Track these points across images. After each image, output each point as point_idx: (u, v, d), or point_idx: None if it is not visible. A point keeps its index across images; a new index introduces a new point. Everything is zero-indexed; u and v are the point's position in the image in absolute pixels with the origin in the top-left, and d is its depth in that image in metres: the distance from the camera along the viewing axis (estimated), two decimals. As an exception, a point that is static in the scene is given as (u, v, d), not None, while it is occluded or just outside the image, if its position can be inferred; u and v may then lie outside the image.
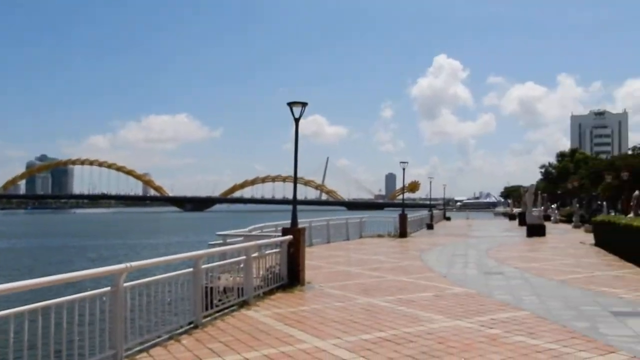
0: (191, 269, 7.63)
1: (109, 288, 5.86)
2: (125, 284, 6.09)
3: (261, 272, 10.34)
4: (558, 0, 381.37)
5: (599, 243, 20.22)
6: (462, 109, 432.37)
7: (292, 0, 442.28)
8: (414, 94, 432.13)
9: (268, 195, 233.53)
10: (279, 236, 11.47)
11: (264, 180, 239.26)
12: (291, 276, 11.04)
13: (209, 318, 7.97)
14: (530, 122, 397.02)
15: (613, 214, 36.45)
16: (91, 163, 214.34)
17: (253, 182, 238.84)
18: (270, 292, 10.29)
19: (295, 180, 11.67)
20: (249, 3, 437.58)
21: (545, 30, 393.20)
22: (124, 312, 5.94)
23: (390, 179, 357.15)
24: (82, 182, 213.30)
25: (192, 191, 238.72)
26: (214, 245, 11.66)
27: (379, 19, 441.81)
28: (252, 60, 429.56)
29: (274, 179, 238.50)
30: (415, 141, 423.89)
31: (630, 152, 68.39)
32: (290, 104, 10.95)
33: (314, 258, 17.09)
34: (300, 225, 18.10)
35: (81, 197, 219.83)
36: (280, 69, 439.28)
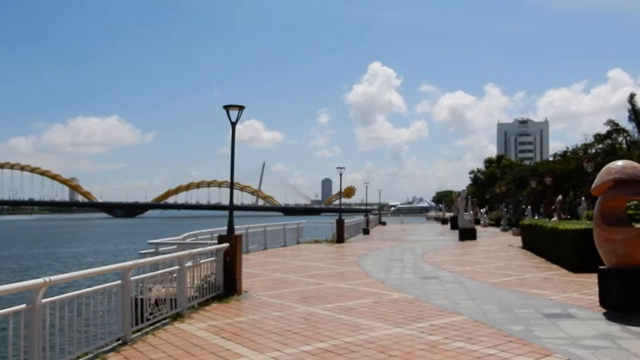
0: (119, 281, 7.14)
1: (24, 305, 5.32)
2: (44, 300, 5.56)
3: (196, 282, 9.90)
4: (485, 14, 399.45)
5: (526, 246, 21.05)
6: (396, 116, 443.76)
7: (229, 3, 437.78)
8: (349, 100, 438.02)
9: (203, 201, 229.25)
10: (214, 244, 11.07)
11: (199, 185, 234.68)
12: (228, 285, 10.67)
13: (139, 333, 7.49)
14: (460, 130, 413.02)
15: (536, 217, 38.27)
16: (12, 167, 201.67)
17: (188, 187, 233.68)
18: (206, 303, 9.89)
19: (232, 185, 11.31)
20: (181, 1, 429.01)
21: (473, 42, 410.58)
22: (41, 332, 5.42)
23: (326, 184, 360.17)
24: (2, 187, 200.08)
25: (122, 197, 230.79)
26: (145, 255, 11.08)
27: (315, 24, 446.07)
28: (187, 62, 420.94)
29: (209, 184, 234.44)
30: (350, 147, 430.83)
31: (551, 159, 72.13)
32: (227, 107, 10.60)
33: (251, 265, 16.73)
34: (236, 232, 17.72)
35: (1, 202, 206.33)
36: (216, 72, 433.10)
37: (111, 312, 7.12)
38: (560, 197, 28.65)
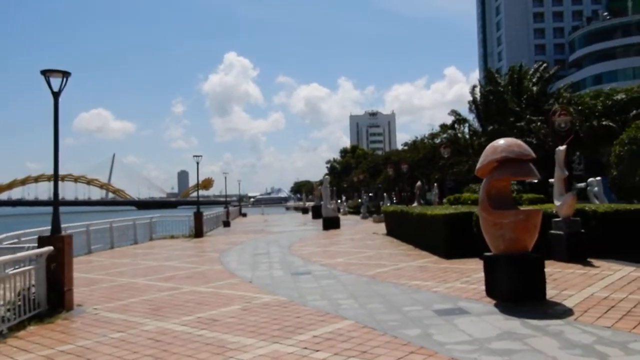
0: None
1: None
2: None
3: (6, 299, 7.52)
4: (337, 13, 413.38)
5: (391, 233, 20.88)
6: (253, 107, 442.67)
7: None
8: (205, 90, 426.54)
9: (44, 197, 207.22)
10: (35, 247, 8.65)
11: (37, 179, 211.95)
12: (53, 300, 8.36)
13: None
14: (316, 121, 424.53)
15: (389, 204, 39.43)
16: None
17: (24, 182, 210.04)
18: (21, 326, 7.53)
19: (56, 173, 8.91)
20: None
21: (327, 38, 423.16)
22: None
23: (182, 176, 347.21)
24: None
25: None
26: None
27: (167, 12, 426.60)
28: (28, 44, 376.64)
29: (49, 178, 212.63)
30: (207, 137, 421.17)
31: (402, 147, 75.98)
32: (46, 72, 8.20)
33: (93, 269, 14.21)
34: (71, 231, 14.93)
35: None
36: (60, 55, 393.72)
37: None
38: (419, 183, 29.45)
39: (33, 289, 8.13)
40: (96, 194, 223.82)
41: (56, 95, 8.38)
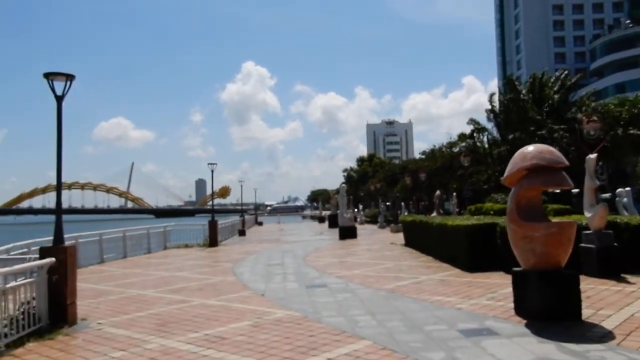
0: None
1: None
2: None
3: (7, 313, 7.13)
4: (353, 22, 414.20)
5: (409, 243, 20.27)
6: (271, 115, 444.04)
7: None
8: (223, 99, 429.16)
9: (64, 205, 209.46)
10: (37, 258, 8.28)
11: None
12: (55, 314, 7.94)
13: None
14: (333, 130, 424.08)
15: (407, 213, 38.66)
16: None
17: (45, 190, 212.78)
18: (20, 343, 7.13)
19: (59, 181, 8.54)
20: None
21: (343, 47, 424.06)
22: None
23: (200, 184, 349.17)
24: None
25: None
26: None
27: (184, 22, 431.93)
28: (49, 54, 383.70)
29: (70, 186, 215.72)
30: (225, 146, 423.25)
31: (420, 156, 75.11)
32: (49, 75, 7.85)
33: (103, 280, 13.88)
34: (83, 240, 14.65)
35: None
36: (80, 67, 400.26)
37: None
38: (438, 192, 28.74)
39: (34, 303, 7.74)
40: (115, 202, 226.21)
41: (59, 99, 8.01)
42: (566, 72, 40.64)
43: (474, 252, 12.57)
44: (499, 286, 10.01)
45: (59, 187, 8.49)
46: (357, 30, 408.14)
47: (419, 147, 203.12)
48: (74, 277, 8.45)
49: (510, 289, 9.62)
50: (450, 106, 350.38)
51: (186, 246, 25.16)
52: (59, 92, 7.96)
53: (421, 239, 17.90)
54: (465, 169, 26.40)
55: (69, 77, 8.17)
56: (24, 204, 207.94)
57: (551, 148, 7.54)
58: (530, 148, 7.52)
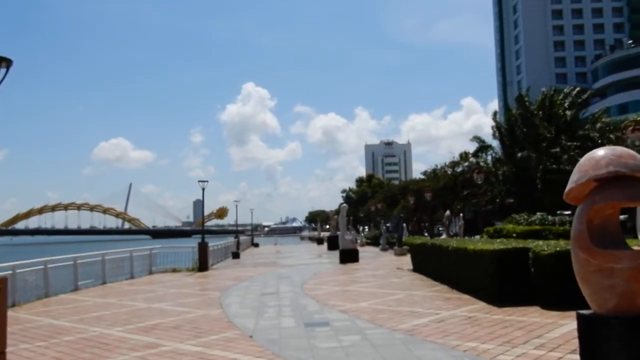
0: None
1: None
2: None
3: None
4: (352, 43, 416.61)
5: (418, 268, 18.29)
6: (270, 136, 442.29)
7: (93, 15, 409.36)
8: (223, 120, 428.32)
9: (60, 226, 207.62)
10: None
11: (54, 208, 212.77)
12: (-28, 369, 5.99)
13: None
14: (332, 150, 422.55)
15: (407, 235, 36.63)
16: None
17: (41, 211, 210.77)
18: None
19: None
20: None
21: (343, 68, 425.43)
22: None
23: (198, 205, 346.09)
24: None
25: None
26: None
27: (183, 43, 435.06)
28: (44, 74, 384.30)
29: (66, 207, 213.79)
30: (225, 167, 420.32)
31: (421, 176, 73.30)
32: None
33: (68, 313, 11.95)
34: (53, 265, 12.83)
35: None
36: (79, 86, 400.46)
37: None
38: (448, 212, 26.85)
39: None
40: (112, 223, 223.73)
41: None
42: (577, 88, 39.13)
43: (502, 282, 10.67)
44: (541, 327, 8.08)
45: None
46: (358, 53, 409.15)
47: (418, 168, 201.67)
48: (4, 319, 6.51)
49: (559, 332, 7.77)
50: (450, 127, 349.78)
51: (174, 270, 23.13)
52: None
53: (434, 265, 15.95)
54: (479, 187, 24.56)
55: (6, 61, 6.42)
56: (20, 225, 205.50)
57: (632, 151, 5.69)
58: (602, 152, 5.64)
